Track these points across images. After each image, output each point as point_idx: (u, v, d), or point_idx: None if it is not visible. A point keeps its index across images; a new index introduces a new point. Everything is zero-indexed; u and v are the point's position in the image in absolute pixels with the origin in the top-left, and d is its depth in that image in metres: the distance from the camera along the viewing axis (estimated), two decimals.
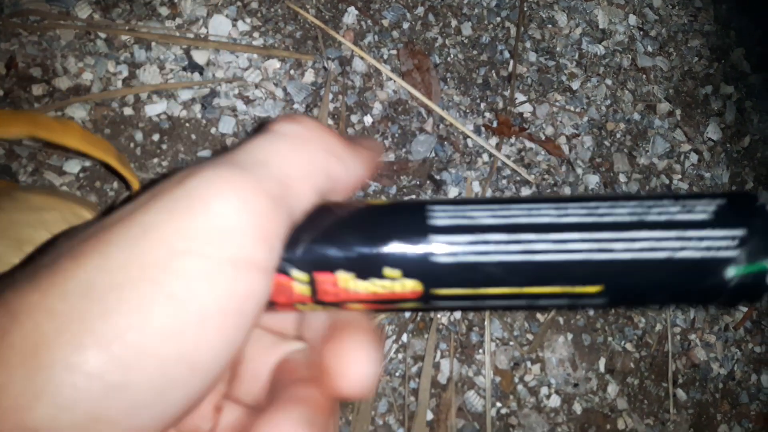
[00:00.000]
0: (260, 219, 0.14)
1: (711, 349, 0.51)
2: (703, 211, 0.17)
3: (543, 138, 0.49)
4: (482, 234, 0.17)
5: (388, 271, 0.17)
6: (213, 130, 0.41)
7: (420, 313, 0.43)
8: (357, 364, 0.17)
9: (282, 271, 0.16)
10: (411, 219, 0.17)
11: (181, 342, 0.14)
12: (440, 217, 0.17)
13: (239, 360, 0.18)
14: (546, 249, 0.17)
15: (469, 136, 0.47)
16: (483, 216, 0.17)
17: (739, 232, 0.17)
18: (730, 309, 0.17)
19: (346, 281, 0.17)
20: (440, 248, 0.17)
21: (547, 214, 0.17)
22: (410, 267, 0.17)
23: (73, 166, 0.38)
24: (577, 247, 0.17)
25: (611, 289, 0.17)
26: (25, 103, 0.38)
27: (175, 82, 0.41)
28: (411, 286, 0.17)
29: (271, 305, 0.17)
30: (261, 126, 0.18)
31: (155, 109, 0.40)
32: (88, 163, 0.38)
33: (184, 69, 0.41)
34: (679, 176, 0.52)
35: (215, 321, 0.14)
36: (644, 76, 0.53)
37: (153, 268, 0.14)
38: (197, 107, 0.41)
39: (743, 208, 0.17)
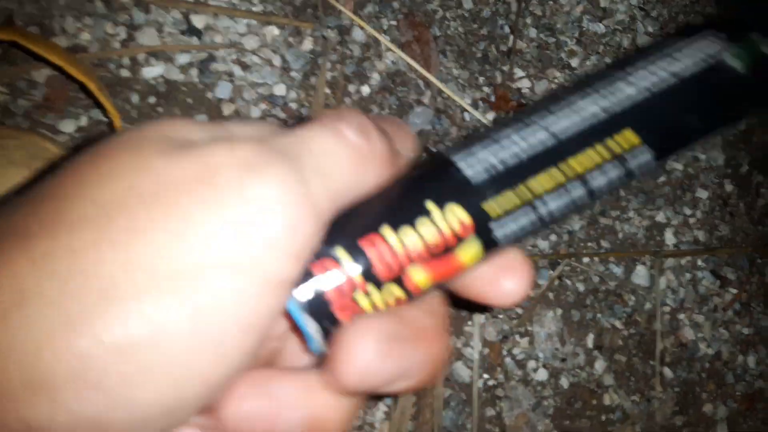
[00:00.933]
0: (305, 238, 0.14)
1: (699, 329, 0.51)
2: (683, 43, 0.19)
3: None
4: (504, 140, 0.17)
5: (429, 204, 0.16)
6: (209, 95, 0.41)
7: None
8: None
9: (325, 255, 0.15)
10: (435, 170, 0.17)
11: (196, 357, 0.13)
12: (463, 161, 0.17)
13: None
14: (566, 116, 0.18)
15: (466, 110, 0.47)
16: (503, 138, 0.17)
17: (719, 33, 0.18)
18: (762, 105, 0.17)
19: (392, 233, 0.16)
20: (468, 164, 0.17)
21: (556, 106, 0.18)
22: (447, 193, 0.16)
23: (69, 125, 0.38)
24: (592, 104, 0.18)
25: (643, 130, 0.17)
26: (22, 61, 0.38)
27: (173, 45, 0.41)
28: (458, 215, 0.16)
29: (335, 321, 0.15)
30: (326, 115, 0.16)
31: (152, 71, 0.40)
32: (83, 123, 0.38)
33: (183, 33, 0.41)
34: (674, 157, 0.53)
35: (237, 338, 0.13)
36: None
37: (182, 276, 0.13)
38: (194, 71, 0.41)
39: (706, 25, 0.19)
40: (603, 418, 0.47)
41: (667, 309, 0.51)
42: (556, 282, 0.48)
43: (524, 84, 0.49)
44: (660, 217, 0.52)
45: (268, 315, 0.14)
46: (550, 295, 0.47)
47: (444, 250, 0.16)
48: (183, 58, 0.41)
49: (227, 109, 0.41)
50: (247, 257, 0.13)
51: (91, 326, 0.12)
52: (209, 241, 0.13)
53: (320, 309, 0.15)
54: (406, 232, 0.16)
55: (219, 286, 0.13)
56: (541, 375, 0.46)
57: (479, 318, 0.45)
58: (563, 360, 0.47)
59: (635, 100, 0.18)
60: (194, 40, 0.41)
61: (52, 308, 0.12)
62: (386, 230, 0.16)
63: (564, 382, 0.47)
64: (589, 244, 0.49)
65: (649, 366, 0.49)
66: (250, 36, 0.42)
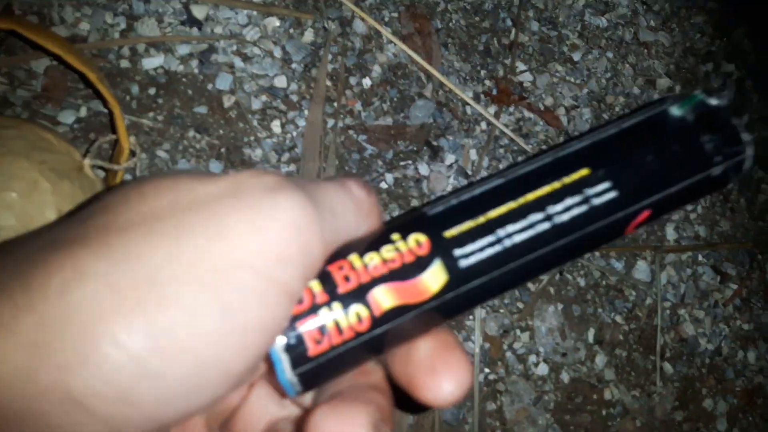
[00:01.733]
0: (313, 261, 0.16)
1: (700, 325, 0.51)
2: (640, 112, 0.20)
3: (542, 108, 0.49)
4: (470, 193, 0.19)
5: (394, 235, 0.18)
6: (210, 86, 0.41)
7: None
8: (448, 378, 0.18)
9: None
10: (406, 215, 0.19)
11: (222, 348, 0.15)
12: (428, 207, 0.19)
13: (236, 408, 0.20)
14: (522, 167, 0.19)
15: (468, 103, 0.47)
16: (474, 191, 0.19)
17: (666, 102, 0.20)
18: (711, 156, 0.18)
19: (358, 259, 0.18)
20: (433, 209, 0.19)
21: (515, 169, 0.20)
22: (410, 225, 0.18)
23: (68, 116, 0.38)
24: (547, 156, 0.19)
25: (599, 167, 0.19)
26: (20, 51, 0.38)
27: (173, 35, 0.40)
28: (416, 237, 0.18)
29: (305, 352, 0.17)
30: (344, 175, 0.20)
31: (152, 62, 0.40)
32: (83, 113, 0.38)
33: (183, 23, 0.41)
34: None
35: (255, 335, 0.15)
36: (645, 50, 0.53)
37: (217, 273, 0.14)
38: (195, 62, 0.41)
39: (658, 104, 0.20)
40: (603, 412, 0.47)
41: (667, 304, 0.50)
42: (557, 277, 0.48)
43: (526, 77, 0.49)
44: None
45: (281, 320, 0.16)
46: (551, 290, 0.47)
47: (405, 272, 0.18)
48: (183, 49, 0.41)
49: (227, 101, 0.41)
50: (269, 266, 0.15)
51: (140, 305, 0.14)
52: (240, 245, 0.15)
53: (294, 342, 0.17)
54: (371, 256, 0.18)
55: (245, 285, 0.15)
56: (542, 369, 0.46)
57: (480, 312, 0.44)
58: (564, 355, 0.47)
59: (586, 146, 0.19)
60: (194, 31, 0.41)
61: (107, 288, 0.14)
62: (353, 257, 0.18)
63: (565, 377, 0.47)
64: None
65: (650, 361, 0.49)
66: (250, 27, 0.42)
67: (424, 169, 0.45)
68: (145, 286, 0.14)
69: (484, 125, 0.47)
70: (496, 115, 0.48)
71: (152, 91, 0.40)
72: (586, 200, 0.19)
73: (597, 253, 0.49)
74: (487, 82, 0.48)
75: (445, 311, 0.18)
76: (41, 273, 0.14)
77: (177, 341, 0.14)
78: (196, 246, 0.15)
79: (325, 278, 0.17)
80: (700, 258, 0.52)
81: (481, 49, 0.48)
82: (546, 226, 0.18)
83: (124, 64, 0.40)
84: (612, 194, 0.19)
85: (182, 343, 0.14)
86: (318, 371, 0.18)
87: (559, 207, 0.18)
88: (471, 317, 0.44)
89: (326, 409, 0.17)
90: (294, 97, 0.42)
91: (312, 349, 0.17)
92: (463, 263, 0.18)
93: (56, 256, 0.15)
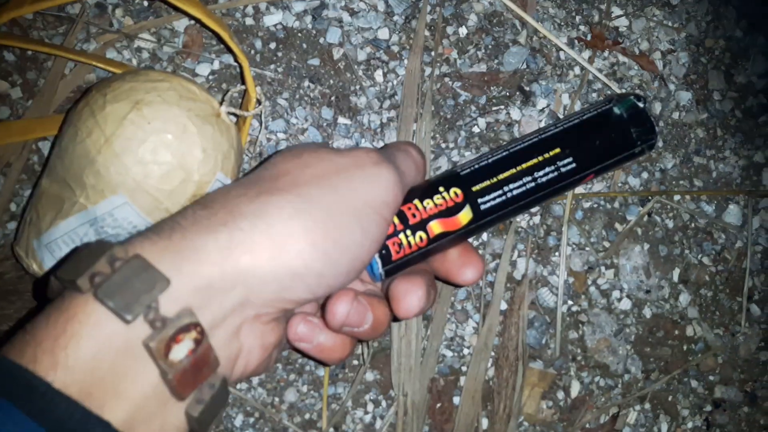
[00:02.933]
0: (398, 205, 0.30)
1: None
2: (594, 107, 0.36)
3: (637, 53, 0.50)
4: (490, 162, 0.34)
5: (441, 188, 0.32)
6: (321, 40, 0.46)
7: None
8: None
9: None
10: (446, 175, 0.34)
11: (361, 251, 0.28)
12: (461, 168, 0.34)
13: None
14: (519, 142, 0.35)
15: (561, 49, 0.49)
16: (493, 159, 0.34)
17: (611, 103, 0.36)
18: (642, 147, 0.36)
19: (419, 203, 0.32)
20: (464, 170, 0.34)
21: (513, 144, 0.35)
22: (451, 182, 0.33)
23: (204, 69, 0.44)
24: (533, 136, 0.35)
25: (565, 148, 0.33)
26: (165, 12, 0.44)
27: None
28: (455, 190, 0.32)
29: (389, 252, 0.31)
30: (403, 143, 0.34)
31: (272, 19, 0.45)
32: (216, 66, 0.44)
33: None
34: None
35: (373, 244, 0.28)
36: None
37: (357, 209, 0.27)
38: (308, 18, 0.46)
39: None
40: (684, 347, 0.50)
41: (758, 248, 0.51)
42: (645, 218, 0.50)
43: (622, 22, 0.50)
44: (758, 157, 0.51)
45: (383, 238, 0.30)
46: (638, 230, 0.49)
47: (449, 212, 0.32)
48: (298, 6, 0.45)
49: (336, 54, 0.46)
50: (380, 207, 0.28)
51: (322, 227, 0.27)
52: (365, 195, 0.28)
53: (384, 252, 0.32)
54: (427, 201, 0.32)
55: (370, 218, 0.28)
56: (625, 304, 0.49)
57: (566, 249, 0.48)
58: (648, 292, 0.49)
59: (558, 132, 0.34)
60: None
61: (302, 215, 0.26)
62: (416, 201, 0.32)
63: (647, 312, 0.49)
64: (681, 182, 0.50)
65: (736, 302, 0.51)
66: None
67: (516, 113, 0.47)
68: (325, 215, 0.26)
69: (577, 70, 0.49)
70: (590, 60, 0.49)
71: (272, 45, 0.45)
72: (557, 169, 0.33)
73: (687, 197, 0.50)
74: (582, 28, 0.49)
75: (468, 234, 0.33)
76: (258, 208, 0.26)
77: (342, 248, 0.27)
78: (344, 194, 0.27)
79: (401, 215, 0.31)
80: None
81: None
82: (532, 184, 0.33)
83: (249, 21, 0.45)
84: (572, 165, 0.33)
85: (345, 249, 0.27)
86: (395, 268, 0.32)
87: (540, 173, 0.33)
88: (557, 254, 0.48)
89: (401, 277, 0.31)
90: (395, 48, 0.46)
91: (394, 256, 0.31)
92: (483, 207, 0.32)
93: (263, 200, 0.26)
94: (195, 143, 0.34)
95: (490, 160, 0.33)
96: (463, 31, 0.47)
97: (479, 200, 0.32)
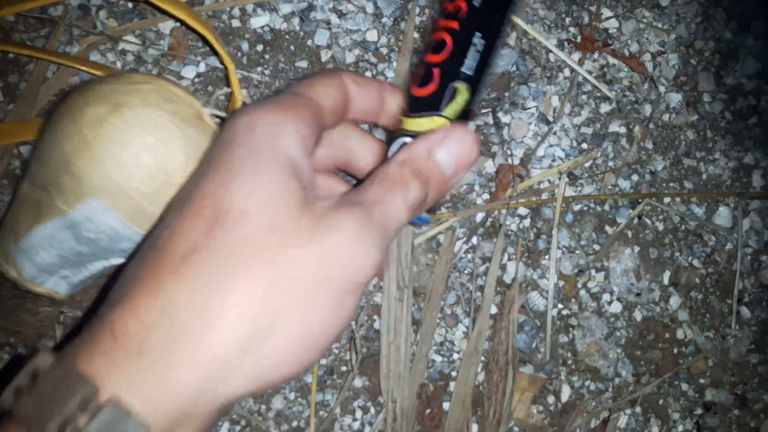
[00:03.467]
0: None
1: None
2: None
3: (627, 54, 0.50)
4: None
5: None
6: (309, 42, 0.45)
7: (490, 219, 0.46)
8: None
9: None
10: None
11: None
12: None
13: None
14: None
15: (551, 51, 0.48)
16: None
17: None
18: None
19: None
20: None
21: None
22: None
23: (189, 72, 0.44)
24: None
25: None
26: (150, 15, 0.44)
27: None
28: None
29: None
30: None
31: (259, 21, 0.45)
32: (202, 69, 0.44)
33: None
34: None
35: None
36: None
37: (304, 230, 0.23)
38: (296, 20, 0.45)
39: None
40: (675, 350, 0.49)
41: (749, 250, 0.51)
42: (635, 221, 0.49)
43: (612, 24, 0.50)
44: (748, 159, 0.51)
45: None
46: (629, 233, 0.49)
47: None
48: (286, 8, 0.45)
49: (325, 55, 0.45)
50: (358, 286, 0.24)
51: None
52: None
53: None
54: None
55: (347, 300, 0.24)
56: (615, 308, 0.48)
57: (556, 253, 0.47)
58: (638, 295, 0.49)
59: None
60: None
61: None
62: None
63: (638, 315, 0.49)
64: (672, 184, 0.50)
65: (726, 305, 0.51)
66: None
67: (505, 116, 0.47)
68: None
69: (567, 72, 0.49)
70: (580, 62, 0.49)
71: (260, 47, 0.45)
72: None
73: (678, 199, 0.50)
74: (572, 29, 0.49)
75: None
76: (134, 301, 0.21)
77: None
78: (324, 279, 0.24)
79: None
80: None
81: None
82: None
83: (235, 23, 0.45)
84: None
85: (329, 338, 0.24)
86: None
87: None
88: (547, 257, 0.47)
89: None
90: (384, 50, 0.46)
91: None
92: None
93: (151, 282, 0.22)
94: (177, 146, 0.33)
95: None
96: None
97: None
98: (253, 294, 0.21)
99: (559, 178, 0.48)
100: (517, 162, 0.47)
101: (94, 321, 0.21)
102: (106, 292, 0.23)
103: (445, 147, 0.26)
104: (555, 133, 0.48)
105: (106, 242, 0.33)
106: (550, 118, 0.48)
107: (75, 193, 0.32)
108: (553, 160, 0.48)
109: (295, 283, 0.22)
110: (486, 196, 0.47)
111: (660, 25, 0.50)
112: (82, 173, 0.31)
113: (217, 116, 0.38)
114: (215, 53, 0.43)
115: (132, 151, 0.32)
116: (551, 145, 0.48)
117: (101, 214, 0.32)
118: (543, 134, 0.48)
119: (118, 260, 0.35)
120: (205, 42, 0.43)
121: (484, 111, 0.47)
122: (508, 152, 0.47)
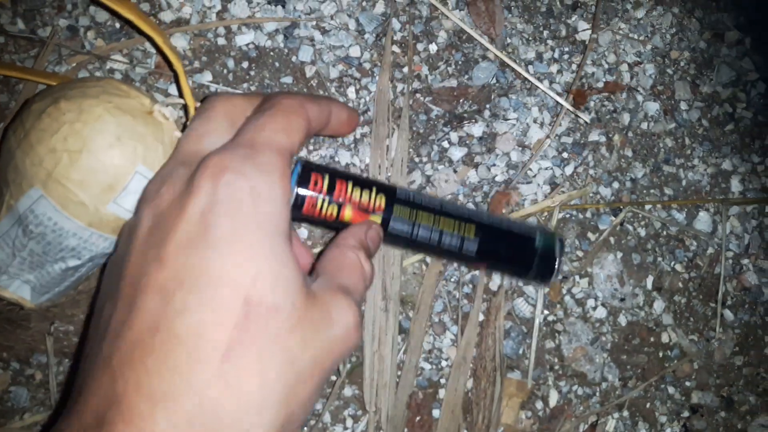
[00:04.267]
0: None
1: (764, 275, 0.52)
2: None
3: (605, 65, 0.51)
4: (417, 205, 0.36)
5: (374, 188, 0.35)
6: (293, 59, 0.46)
7: None
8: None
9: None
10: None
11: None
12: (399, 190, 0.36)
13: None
14: (457, 206, 0.38)
15: (530, 63, 0.50)
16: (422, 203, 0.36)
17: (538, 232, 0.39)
18: (546, 278, 0.39)
19: (351, 187, 0.34)
20: (400, 193, 0.36)
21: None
22: (384, 192, 0.35)
23: (176, 89, 0.44)
24: (467, 212, 0.37)
25: (479, 234, 0.36)
26: (138, 34, 0.45)
27: (261, 16, 0.46)
28: (381, 200, 0.35)
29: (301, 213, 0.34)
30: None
31: (244, 39, 0.46)
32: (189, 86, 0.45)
33: (269, 2, 0.46)
34: (744, 105, 0.53)
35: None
36: (714, 3, 0.53)
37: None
38: (280, 37, 0.46)
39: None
40: (660, 354, 0.50)
41: (730, 254, 0.52)
42: (618, 227, 0.50)
43: (589, 36, 0.51)
44: (726, 165, 0.52)
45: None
46: (611, 239, 0.50)
47: (365, 211, 0.34)
48: (270, 26, 0.46)
49: (309, 71, 0.46)
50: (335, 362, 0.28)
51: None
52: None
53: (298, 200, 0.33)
54: (358, 191, 0.34)
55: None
56: (600, 313, 0.49)
57: None
58: (622, 300, 0.50)
59: (485, 223, 0.37)
60: (279, 10, 0.46)
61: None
62: (351, 184, 0.34)
63: (622, 320, 0.50)
64: (652, 191, 0.51)
65: (710, 308, 0.51)
66: (328, 2, 0.47)
67: (486, 127, 0.48)
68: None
69: (546, 84, 0.50)
70: (559, 74, 0.50)
71: (245, 64, 0.46)
72: (461, 243, 0.36)
73: (659, 205, 0.51)
74: (550, 42, 0.51)
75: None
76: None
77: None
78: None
79: (332, 181, 0.34)
80: (767, 209, 0.53)
81: (544, 10, 0.51)
82: (435, 240, 0.36)
83: (221, 41, 0.46)
84: (474, 249, 0.37)
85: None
86: (296, 218, 0.34)
87: (447, 237, 0.36)
88: None
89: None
90: (367, 65, 0.47)
91: (305, 209, 0.34)
92: (389, 227, 0.35)
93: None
94: (108, 131, 0.33)
95: (422, 201, 0.36)
96: (433, 47, 0.48)
97: (391, 221, 0.35)
98: (277, 391, 0.24)
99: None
100: (499, 173, 0.48)
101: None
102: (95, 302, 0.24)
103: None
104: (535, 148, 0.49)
105: (51, 236, 0.33)
106: (532, 132, 0.49)
107: (18, 185, 0.33)
108: (536, 174, 0.49)
109: (300, 376, 0.25)
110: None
111: (636, 36, 0.52)
112: (23, 164, 0.32)
113: (175, 106, 0.37)
114: (163, 57, 0.44)
115: (60, 136, 0.32)
116: (533, 155, 0.49)
117: (39, 204, 0.32)
118: (526, 146, 0.49)
119: (75, 261, 0.35)
120: (153, 44, 0.44)
121: (466, 123, 0.48)
122: (491, 165, 0.48)
